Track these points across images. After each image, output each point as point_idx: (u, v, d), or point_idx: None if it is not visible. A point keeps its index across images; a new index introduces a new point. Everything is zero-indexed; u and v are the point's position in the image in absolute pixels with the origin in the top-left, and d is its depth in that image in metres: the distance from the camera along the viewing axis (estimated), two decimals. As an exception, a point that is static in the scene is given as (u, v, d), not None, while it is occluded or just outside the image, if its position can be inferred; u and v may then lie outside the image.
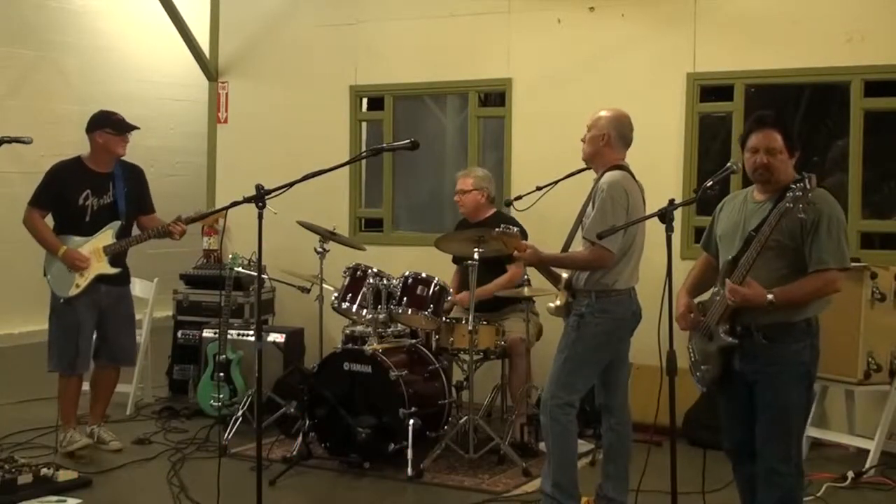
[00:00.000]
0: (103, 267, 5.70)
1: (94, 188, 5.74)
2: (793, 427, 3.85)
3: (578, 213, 4.75)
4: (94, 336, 5.86)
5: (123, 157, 5.85)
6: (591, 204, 4.62)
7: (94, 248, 5.68)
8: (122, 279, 5.88)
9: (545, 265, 4.81)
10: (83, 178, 5.74)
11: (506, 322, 6.06)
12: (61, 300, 5.69)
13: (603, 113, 4.71)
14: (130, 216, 5.83)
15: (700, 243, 4.28)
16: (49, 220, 5.85)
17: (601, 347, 4.61)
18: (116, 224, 5.74)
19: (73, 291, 5.66)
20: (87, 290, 5.68)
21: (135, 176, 5.92)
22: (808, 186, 3.53)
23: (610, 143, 4.67)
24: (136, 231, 5.89)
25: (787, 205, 3.57)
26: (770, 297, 3.68)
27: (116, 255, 5.74)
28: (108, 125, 5.76)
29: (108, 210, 5.76)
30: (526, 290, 5.86)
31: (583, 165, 6.30)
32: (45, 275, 5.76)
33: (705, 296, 4.09)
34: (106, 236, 5.71)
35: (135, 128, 5.83)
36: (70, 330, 5.70)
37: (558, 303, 4.75)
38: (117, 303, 5.86)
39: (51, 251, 5.70)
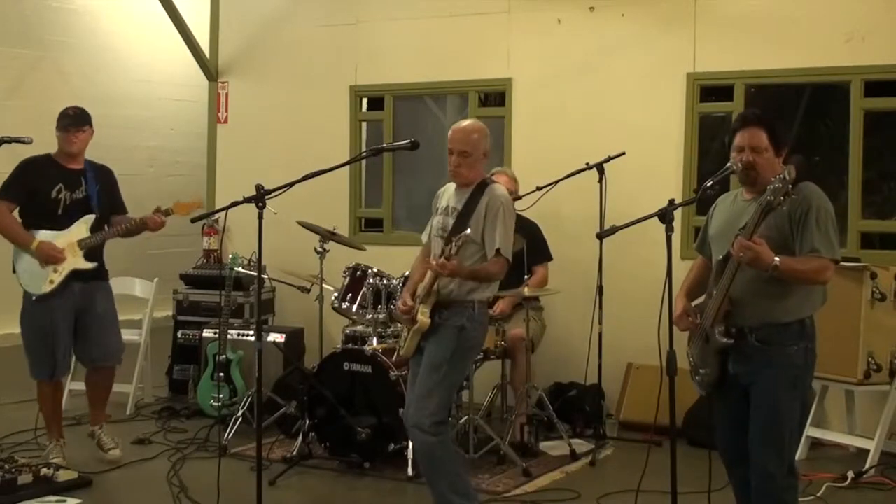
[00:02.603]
0: (78, 262, 5.46)
1: (66, 182, 5.51)
2: (785, 430, 3.81)
3: (454, 222, 4.49)
4: (75, 338, 5.59)
5: (89, 157, 5.66)
6: (471, 214, 4.45)
7: (69, 242, 5.45)
8: (97, 275, 5.61)
9: (463, 276, 4.43)
10: (55, 173, 5.52)
11: (508, 322, 6.06)
12: (33, 298, 5.44)
13: (468, 128, 4.50)
14: (104, 212, 5.61)
15: (695, 246, 4.26)
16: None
17: (473, 358, 4.64)
18: (90, 218, 5.53)
19: (47, 288, 5.40)
20: (61, 288, 5.42)
21: (104, 175, 5.72)
22: (786, 177, 3.49)
23: (487, 156, 4.59)
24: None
25: (769, 198, 3.52)
26: (776, 259, 3.61)
27: (91, 250, 5.52)
28: (57, 124, 5.55)
29: (82, 204, 5.53)
30: (526, 290, 5.85)
31: (582, 165, 6.35)
32: (13, 271, 5.48)
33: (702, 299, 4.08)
34: (80, 230, 5.49)
35: (74, 124, 5.52)
36: (45, 333, 5.46)
37: (418, 328, 4.43)
38: (93, 300, 5.60)
39: (22, 245, 5.41)
